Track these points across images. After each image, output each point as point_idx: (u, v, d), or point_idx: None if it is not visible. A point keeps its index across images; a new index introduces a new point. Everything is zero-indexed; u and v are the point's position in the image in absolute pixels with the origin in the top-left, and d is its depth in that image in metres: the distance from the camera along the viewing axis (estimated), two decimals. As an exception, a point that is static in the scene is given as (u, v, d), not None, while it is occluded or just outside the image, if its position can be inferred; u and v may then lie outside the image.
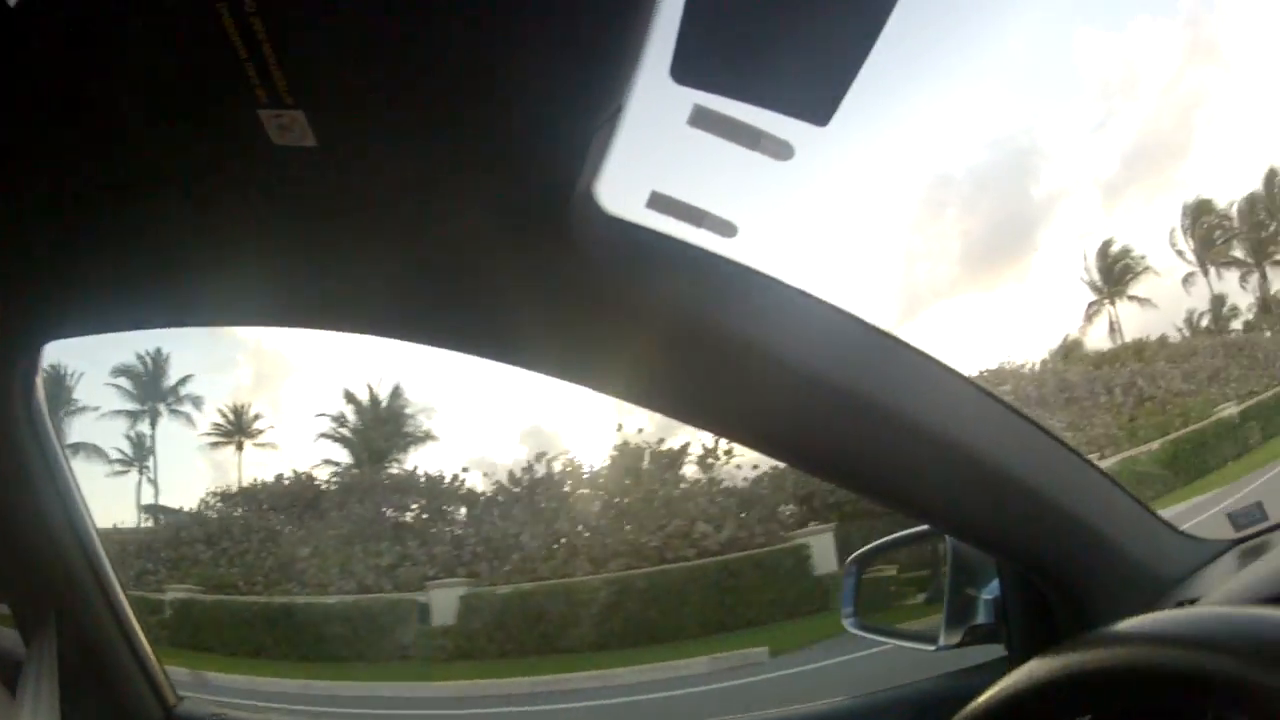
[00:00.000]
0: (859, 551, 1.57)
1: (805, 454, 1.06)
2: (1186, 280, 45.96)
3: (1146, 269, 45.25)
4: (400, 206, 0.82)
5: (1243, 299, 46.71)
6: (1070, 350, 40.16)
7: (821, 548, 14.79)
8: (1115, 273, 45.24)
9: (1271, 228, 45.99)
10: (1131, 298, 45.06)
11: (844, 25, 0.68)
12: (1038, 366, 31.85)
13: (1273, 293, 45.25)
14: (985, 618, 1.34)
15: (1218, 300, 47.75)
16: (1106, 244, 46.40)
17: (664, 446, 19.21)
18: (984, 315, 55.47)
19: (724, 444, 17.11)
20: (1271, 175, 44.89)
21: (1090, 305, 44.74)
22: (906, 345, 1.01)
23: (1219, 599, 1.17)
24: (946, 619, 1.35)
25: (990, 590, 1.34)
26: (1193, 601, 1.21)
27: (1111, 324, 44.09)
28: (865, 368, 0.98)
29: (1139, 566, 1.28)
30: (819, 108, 0.72)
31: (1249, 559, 1.34)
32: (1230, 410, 20.17)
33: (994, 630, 1.33)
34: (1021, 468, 1.11)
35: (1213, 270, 46.24)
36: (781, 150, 0.76)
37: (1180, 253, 46.36)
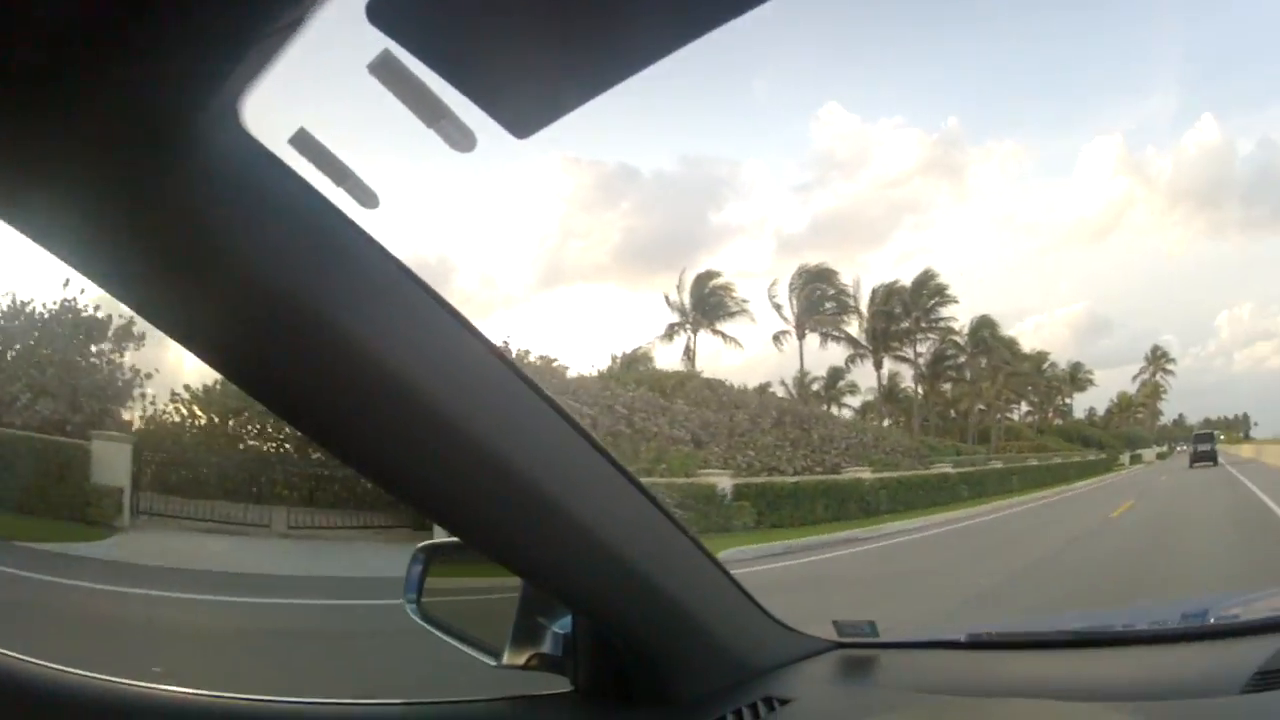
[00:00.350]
0: (431, 541, 1.50)
1: (372, 458, 0.93)
2: (778, 337, 51.32)
3: (743, 311, 48.87)
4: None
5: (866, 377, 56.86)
6: (636, 360, 42.33)
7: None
8: (709, 303, 48.21)
9: (904, 324, 55.17)
10: (716, 332, 48.65)
11: (592, 59, 0.65)
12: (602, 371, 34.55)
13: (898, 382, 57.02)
14: (552, 649, 1.30)
15: (835, 371, 57.78)
16: (710, 274, 48.99)
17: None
18: (617, 307, 62.10)
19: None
20: (925, 276, 53.81)
21: (671, 326, 47.22)
22: (528, 385, 0.95)
23: (814, 711, 1.31)
24: (512, 638, 1.31)
25: (562, 625, 1.31)
26: (784, 702, 1.27)
27: (688, 349, 47.36)
28: (470, 394, 0.91)
29: (726, 649, 1.31)
30: (525, 123, 0.67)
31: (852, 672, 1.47)
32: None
33: (560, 663, 1.30)
34: (617, 533, 1.08)
35: (818, 339, 52.30)
36: (463, 140, 0.70)
37: (778, 306, 50.74)
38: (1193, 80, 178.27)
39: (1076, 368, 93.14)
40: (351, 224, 0.79)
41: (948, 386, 71.96)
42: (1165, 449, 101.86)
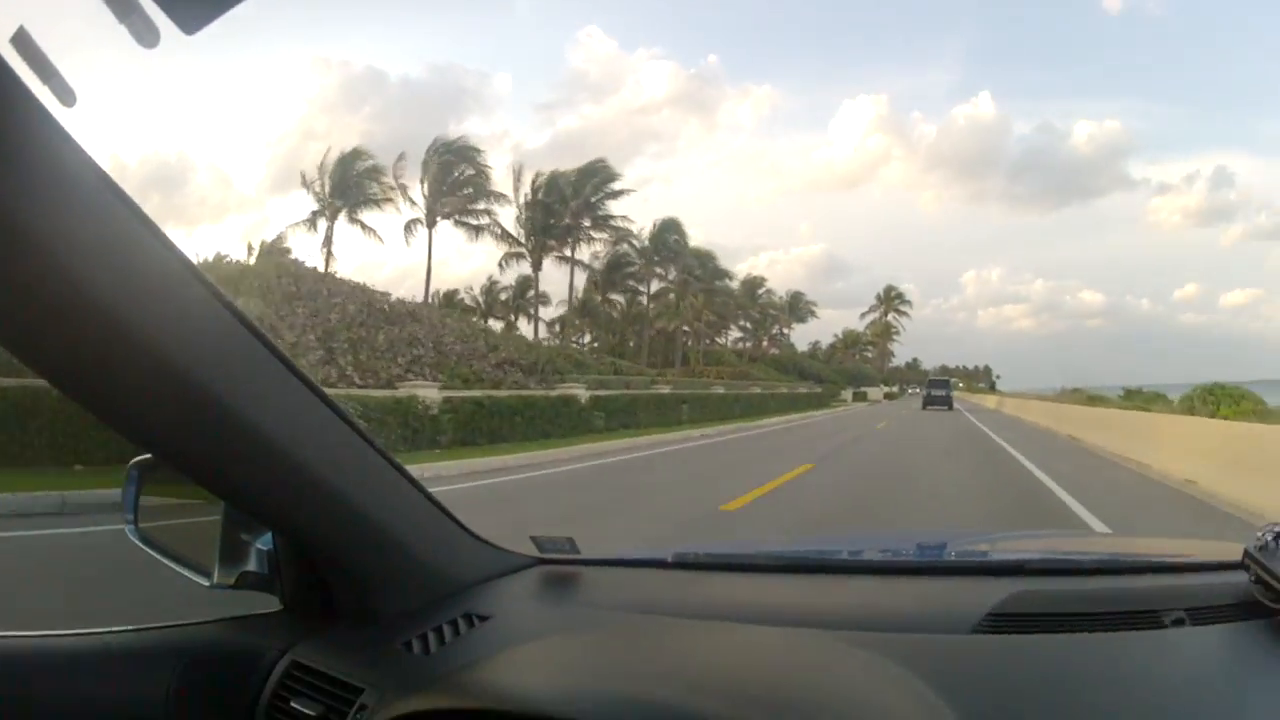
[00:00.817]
0: (142, 456, 1.35)
1: (51, 364, 0.88)
2: (409, 227, 45.77)
3: (389, 200, 44.75)
4: None
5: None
6: (272, 248, 39.50)
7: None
8: (351, 188, 43.72)
9: (565, 221, 49.50)
10: (355, 221, 44.39)
11: None
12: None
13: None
14: (258, 566, 1.29)
15: (524, 280, 54.09)
16: (358, 153, 44.16)
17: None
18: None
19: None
20: (595, 164, 50.28)
21: (313, 212, 43.71)
22: (212, 293, 0.93)
23: (513, 628, 1.28)
24: (220, 557, 1.29)
25: (265, 542, 1.29)
26: (483, 618, 1.28)
27: (328, 237, 43.45)
28: (149, 300, 0.87)
29: (425, 565, 1.32)
30: (192, 17, 0.70)
31: (554, 588, 1.47)
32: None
33: (269, 581, 1.29)
34: (303, 447, 1.07)
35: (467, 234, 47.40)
36: (147, 35, 0.69)
37: (403, 187, 45.39)
38: (978, 60, 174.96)
39: (796, 297, 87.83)
40: (55, 126, 0.76)
41: (645, 302, 62.47)
42: (896, 389, 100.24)
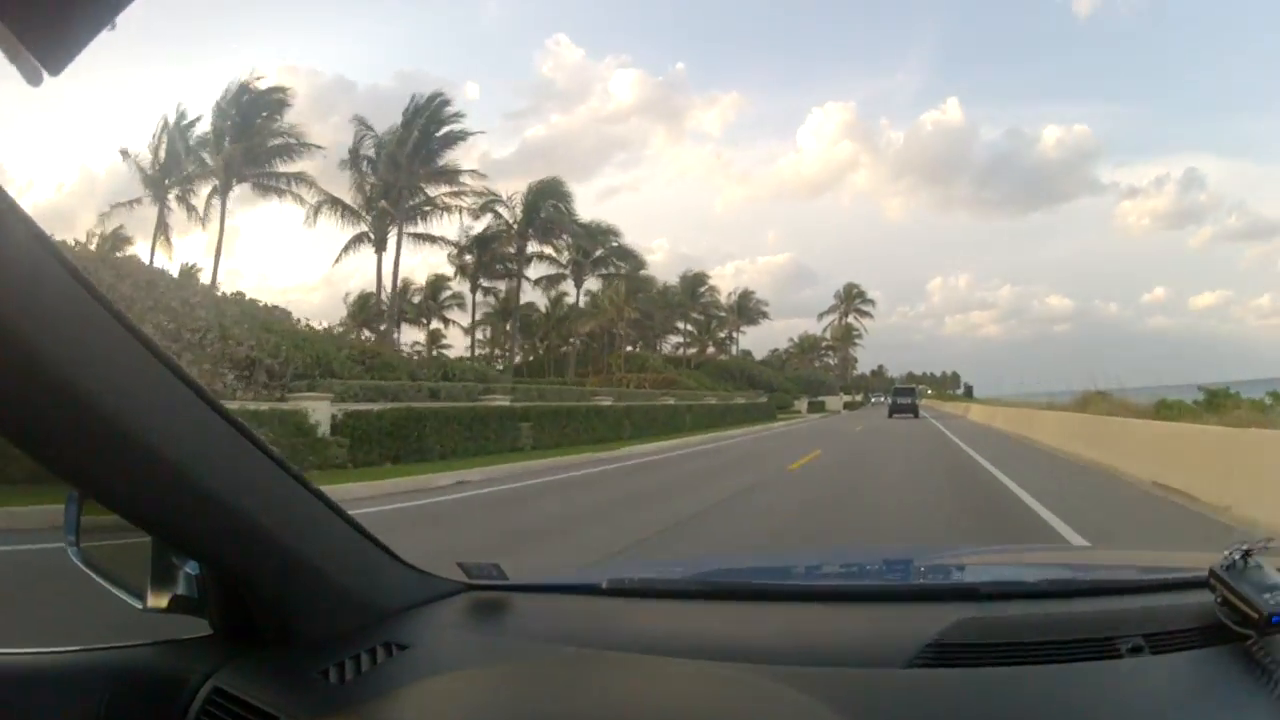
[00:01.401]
0: None
1: None
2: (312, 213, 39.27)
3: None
4: None
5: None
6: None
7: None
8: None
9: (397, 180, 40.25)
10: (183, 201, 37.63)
11: None
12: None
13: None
14: (187, 590, 1.26)
15: (437, 279, 52.08)
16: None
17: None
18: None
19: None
20: (433, 102, 40.34)
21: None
22: (106, 310, 0.90)
23: (432, 658, 1.26)
24: (151, 580, 1.26)
25: (192, 566, 1.26)
26: (403, 647, 1.26)
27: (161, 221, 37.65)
28: (42, 315, 0.84)
29: (344, 591, 1.29)
30: (54, 57, 0.69)
31: (481, 616, 1.43)
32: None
33: (199, 605, 1.27)
34: (210, 471, 1.05)
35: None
36: (31, 74, 0.69)
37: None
38: (946, 65, 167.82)
39: (746, 297, 78.19)
40: None
41: (573, 302, 53.91)
42: (860, 398, 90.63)
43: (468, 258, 48.24)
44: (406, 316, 61.70)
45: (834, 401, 71.36)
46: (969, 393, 55.57)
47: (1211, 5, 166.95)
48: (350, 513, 1.30)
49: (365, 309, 60.70)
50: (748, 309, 75.55)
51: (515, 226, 46.59)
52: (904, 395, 50.52)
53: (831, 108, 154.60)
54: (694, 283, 68.13)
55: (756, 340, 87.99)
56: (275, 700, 1.15)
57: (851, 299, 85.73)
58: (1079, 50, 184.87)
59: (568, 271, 52.33)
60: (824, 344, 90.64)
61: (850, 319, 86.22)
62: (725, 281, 79.20)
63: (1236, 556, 1.16)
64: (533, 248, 49.07)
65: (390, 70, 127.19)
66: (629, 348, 57.69)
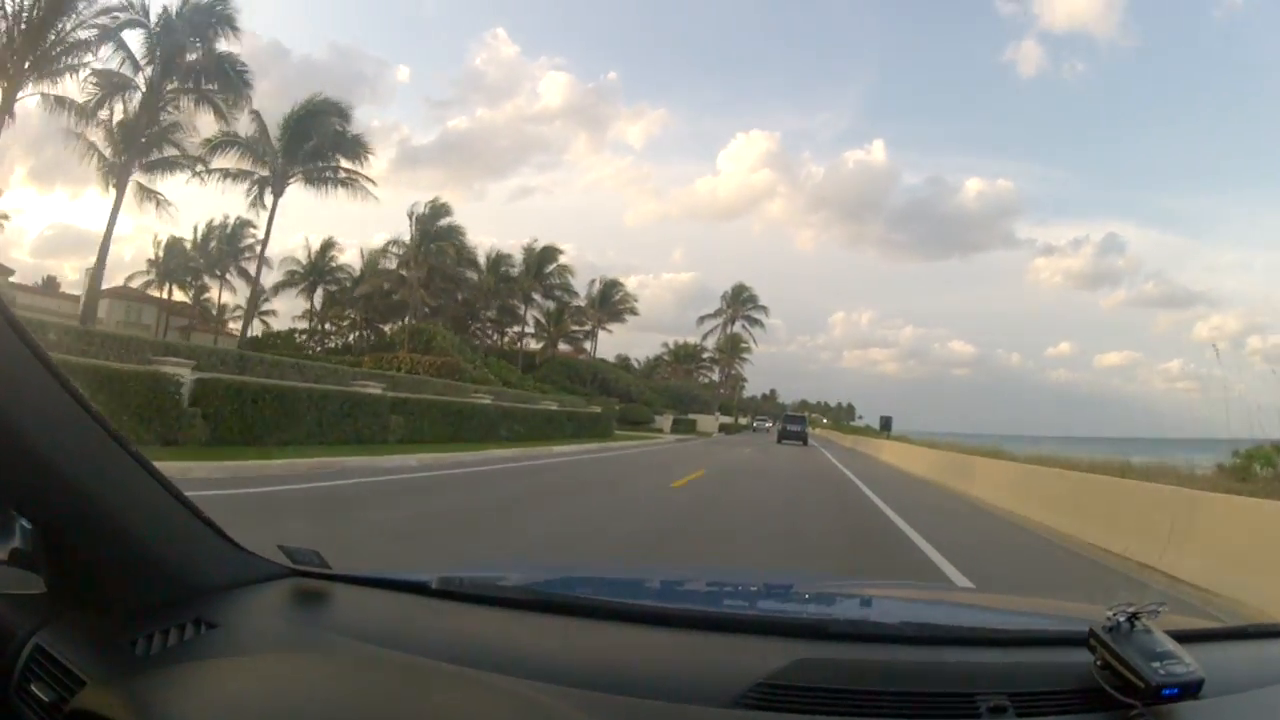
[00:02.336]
0: None
1: None
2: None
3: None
4: None
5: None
6: None
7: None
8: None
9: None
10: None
11: None
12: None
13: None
14: (23, 544, 1.27)
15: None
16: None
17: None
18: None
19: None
20: None
21: None
22: None
23: (236, 641, 1.24)
24: None
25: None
26: (212, 626, 1.24)
27: None
28: None
29: (162, 561, 1.28)
30: None
31: (298, 604, 1.39)
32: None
33: (34, 561, 1.27)
34: (43, 435, 1.06)
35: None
36: None
37: None
38: (878, 107, 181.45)
39: (611, 286, 63.23)
40: None
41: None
42: (746, 421, 78.24)
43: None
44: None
45: (708, 422, 60.06)
46: (886, 426, 43.91)
47: (1153, 81, 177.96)
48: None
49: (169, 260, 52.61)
50: (611, 302, 63.59)
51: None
52: (794, 423, 50.08)
53: (756, 135, 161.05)
54: (541, 259, 55.69)
55: (644, 349, 76.68)
56: (84, 665, 1.14)
57: (740, 303, 74.76)
58: (1015, 109, 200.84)
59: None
60: (703, 354, 79.46)
61: (739, 327, 75.09)
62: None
63: (1122, 619, 1.12)
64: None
65: (326, 42, 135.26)
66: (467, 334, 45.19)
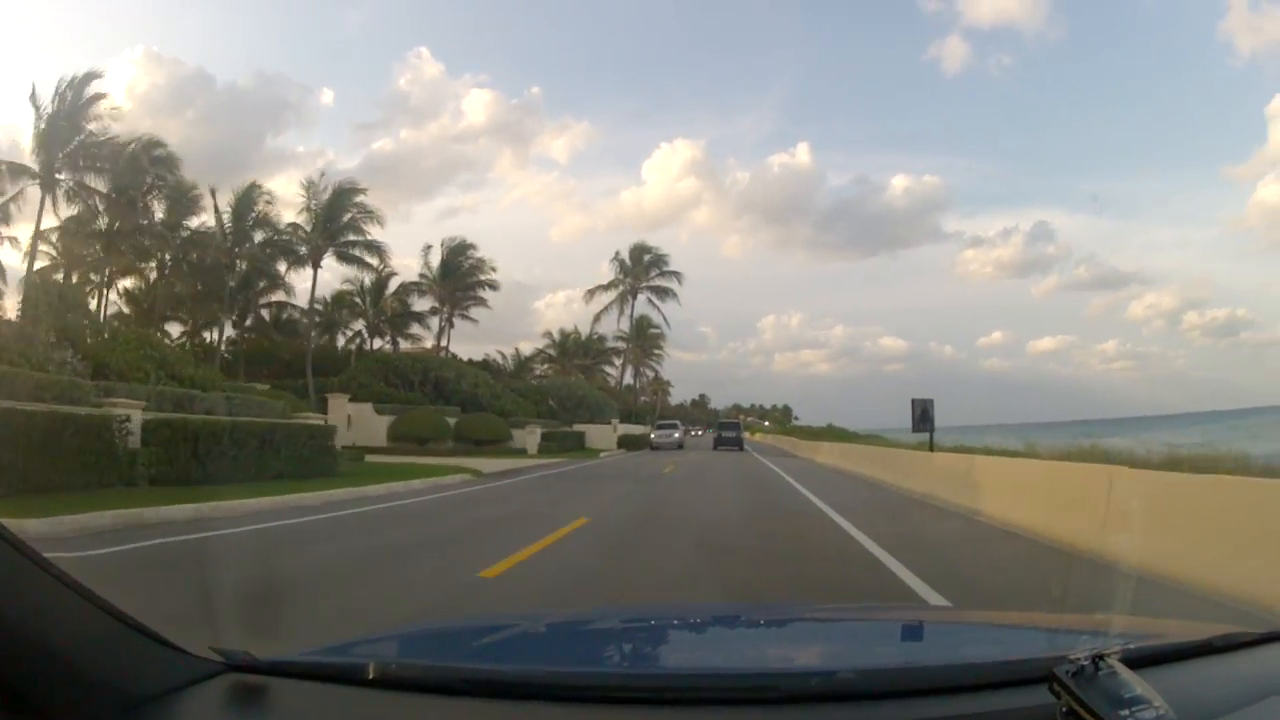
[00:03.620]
0: None
1: None
2: None
3: None
4: None
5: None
6: None
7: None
8: None
9: None
10: None
11: None
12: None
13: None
14: None
15: None
16: None
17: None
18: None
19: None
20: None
21: None
22: None
23: None
24: None
25: None
26: None
27: None
28: None
29: (91, 679, 1.18)
30: None
31: (241, 705, 1.32)
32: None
33: None
34: None
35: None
36: None
37: None
38: (800, 110, 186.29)
39: (459, 251, 43.19)
40: None
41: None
42: (673, 430, 62.57)
43: None
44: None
45: (603, 434, 41.65)
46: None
47: (1081, 70, 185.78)
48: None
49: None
50: (458, 272, 45.69)
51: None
52: (729, 429, 48.56)
53: (680, 144, 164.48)
54: (339, 199, 37.54)
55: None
56: None
57: (643, 268, 56.71)
58: (941, 104, 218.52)
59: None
60: (601, 344, 61.41)
61: (648, 299, 57.18)
62: (554, 311, 57.63)
63: (1085, 661, 1.07)
64: None
65: (250, 69, 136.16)
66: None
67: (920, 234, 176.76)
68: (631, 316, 57.23)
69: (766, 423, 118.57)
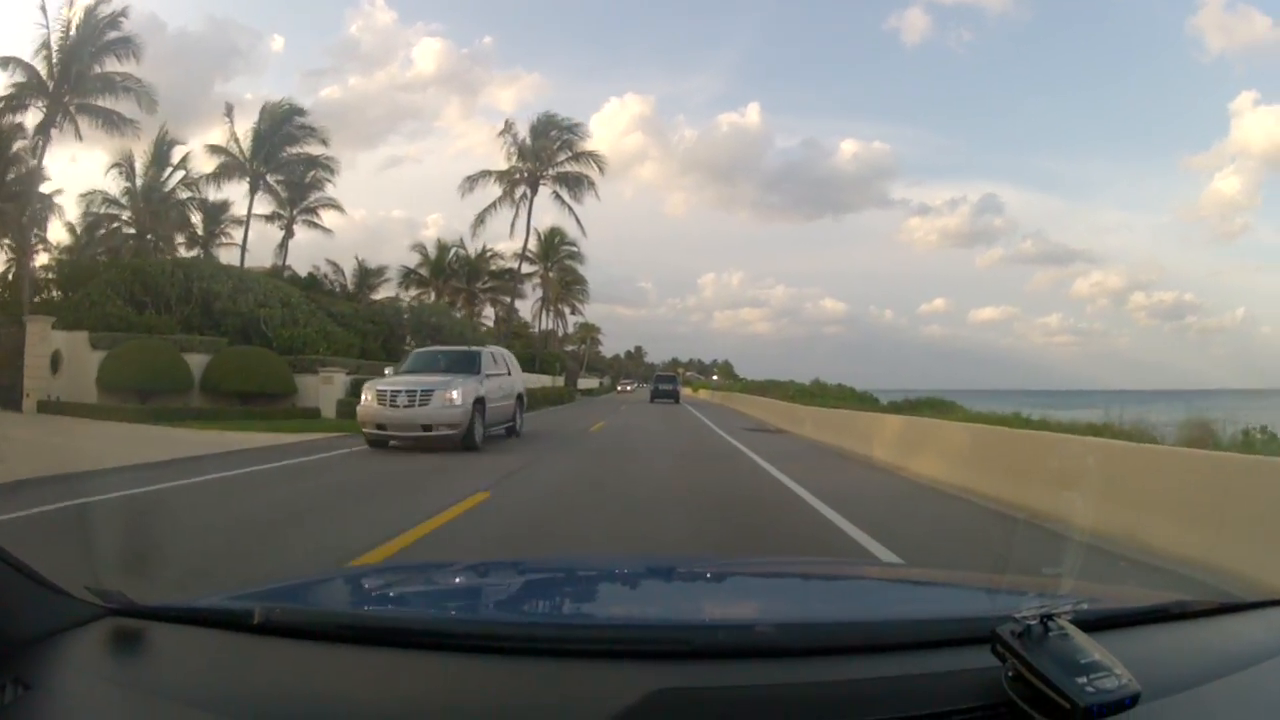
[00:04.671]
0: None
1: None
2: None
3: None
4: None
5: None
6: None
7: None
8: None
9: None
10: None
11: None
12: None
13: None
14: None
15: None
16: None
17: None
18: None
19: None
20: None
21: None
22: None
23: (51, 709, 1.11)
24: None
25: None
26: (28, 686, 1.12)
27: None
28: None
29: None
30: None
31: (119, 651, 1.27)
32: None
33: None
34: None
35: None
36: None
37: None
38: (754, 71, 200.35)
39: (285, 113, 28.62)
40: None
41: None
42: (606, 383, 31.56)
43: None
44: None
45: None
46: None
47: (1041, 49, 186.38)
48: None
49: None
50: (279, 145, 33.09)
51: None
52: (665, 382, 49.72)
53: (630, 99, 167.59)
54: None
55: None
56: None
57: (546, 143, 42.49)
58: (897, 74, 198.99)
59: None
60: (482, 261, 48.60)
61: (555, 194, 43.50)
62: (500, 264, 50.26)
63: (1033, 621, 1.00)
64: None
65: (201, 12, 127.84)
66: None
67: (866, 199, 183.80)
68: (530, 218, 42.75)
69: (715, 377, 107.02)
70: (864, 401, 30.50)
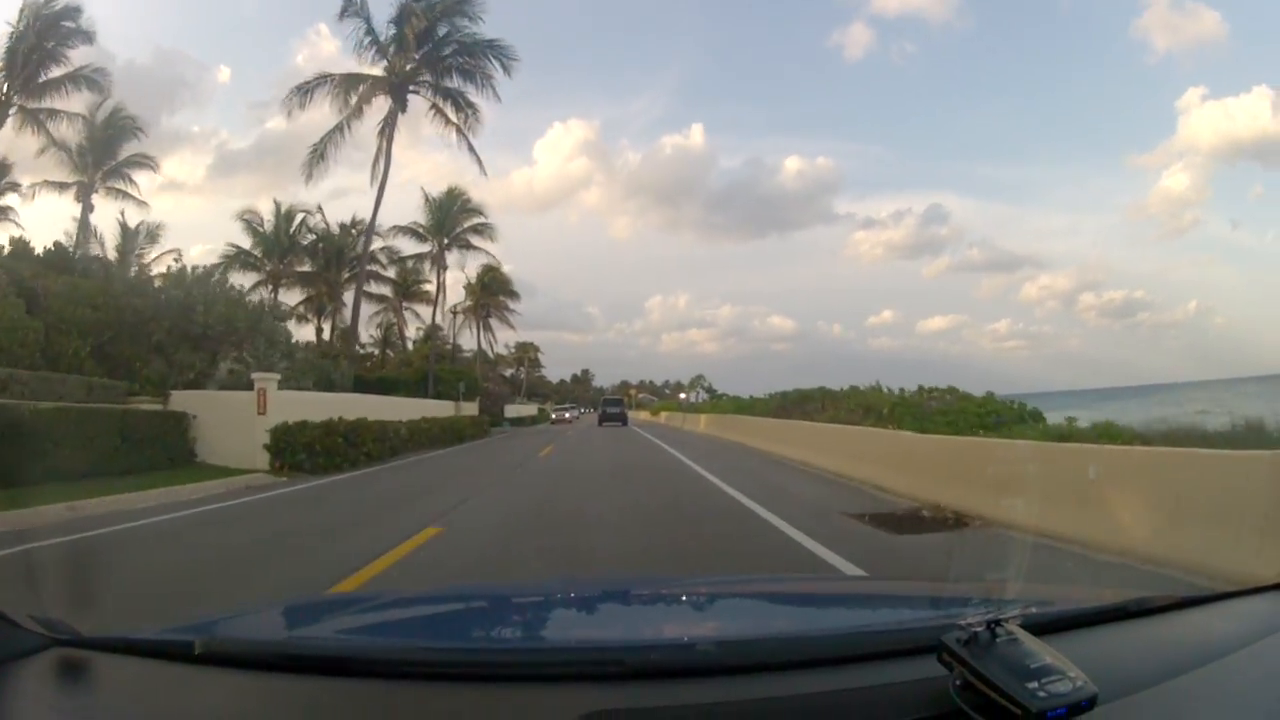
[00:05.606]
0: None
1: None
2: None
3: None
4: None
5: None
6: None
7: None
8: None
9: None
10: None
11: None
12: None
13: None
14: None
15: None
16: None
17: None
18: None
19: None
20: None
21: None
22: None
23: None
24: None
25: None
26: None
27: None
28: None
29: None
30: None
31: (64, 681, 1.25)
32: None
33: None
34: None
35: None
36: None
37: None
38: (695, 92, 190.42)
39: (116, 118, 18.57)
40: None
41: None
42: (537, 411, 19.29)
43: None
44: None
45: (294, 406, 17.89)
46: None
47: (982, 59, 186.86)
48: None
49: None
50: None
51: None
52: (613, 405, 49.55)
53: (574, 124, 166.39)
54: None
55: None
56: None
57: (436, 54, 33.84)
58: (839, 89, 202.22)
59: None
60: (345, 236, 38.90)
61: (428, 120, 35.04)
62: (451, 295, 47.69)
63: (979, 628, 0.99)
64: None
65: (149, 45, 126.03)
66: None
67: (811, 215, 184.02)
68: (389, 150, 33.21)
69: (683, 395, 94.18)
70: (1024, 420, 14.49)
